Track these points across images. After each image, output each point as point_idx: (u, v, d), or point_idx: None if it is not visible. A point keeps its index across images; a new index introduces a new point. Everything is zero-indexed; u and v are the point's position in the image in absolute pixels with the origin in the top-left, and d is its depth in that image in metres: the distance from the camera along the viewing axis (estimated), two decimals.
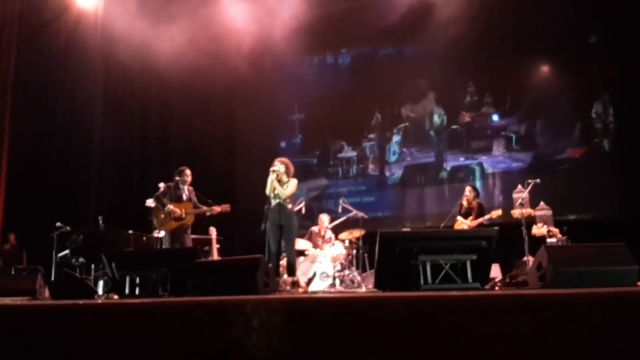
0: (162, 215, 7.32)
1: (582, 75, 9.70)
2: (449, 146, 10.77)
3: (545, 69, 10.12)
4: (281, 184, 6.73)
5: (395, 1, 10.26)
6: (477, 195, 8.25)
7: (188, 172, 7.50)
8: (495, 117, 10.39)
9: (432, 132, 11.00)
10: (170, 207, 7.23)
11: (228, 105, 12.17)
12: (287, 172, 6.79)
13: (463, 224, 8.01)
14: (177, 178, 7.46)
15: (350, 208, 9.00)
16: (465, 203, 8.20)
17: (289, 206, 6.78)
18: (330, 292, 7.05)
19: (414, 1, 9.99)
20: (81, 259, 7.99)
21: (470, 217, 8.00)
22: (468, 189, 8.29)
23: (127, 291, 5.43)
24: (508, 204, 9.04)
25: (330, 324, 3.23)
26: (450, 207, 9.87)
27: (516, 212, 7.30)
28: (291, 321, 3.31)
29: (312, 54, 10.87)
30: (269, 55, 10.96)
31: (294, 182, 6.81)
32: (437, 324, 3.08)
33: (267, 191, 6.73)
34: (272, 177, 6.69)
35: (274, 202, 6.69)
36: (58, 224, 8.55)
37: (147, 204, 7.89)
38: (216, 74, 11.39)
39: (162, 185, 7.67)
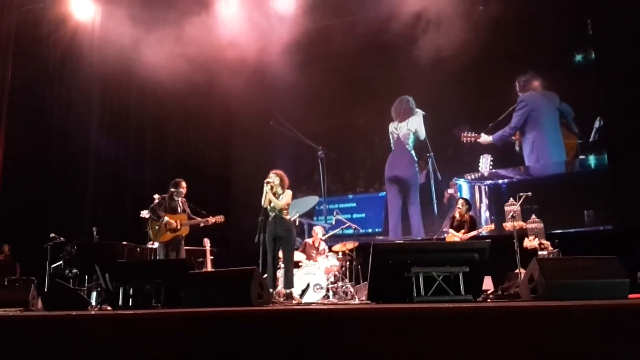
0: (157, 227, 7.37)
1: (572, 91, 9.81)
2: (437, 162, 10.81)
3: (535, 84, 10.21)
4: (276, 195, 6.78)
5: (389, 17, 10.34)
6: (469, 208, 8.29)
7: (184, 184, 7.57)
8: (483, 134, 10.43)
9: (417, 150, 11.06)
10: (166, 218, 7.31)
11: (223, 118, 12.19)
12: (281, 184, 6.85)
13: (455, 237, 8.04)
14: (172, 190, 7.53)
15: (344, 220, 9.03)
16: (457, 216, 8.24)
17: (287, 217, 6.83)
18: (324, 304, 7.05)
19: (407, 19, 10.05)
20: (74, 270, 7.97)
21: (462, 230, 8.04)
22: (461, 202, 8.33)
23: (120, 302, 5.42)
24: (495, 220, 9.16)
25: (323, 335, 3.25)
26: (438, 222, 10.04)
27: (508, 225, 7.35)
28: (284, 333, 3.32)
29: (307, 68, 10.92)
30: (265, 69, 10.98)
31: (288, 193, 6.87)
32: (429, 335, 3.09)
33: (263, 203, 6.78)
34: (266, 189, 6.75)
35: (271, 214, 6.77)
36: (52, 234, 8.54)
37: (141, 215, 7.91)
38: (212, 86, 11.42)
39: (156, 196, 7.72)
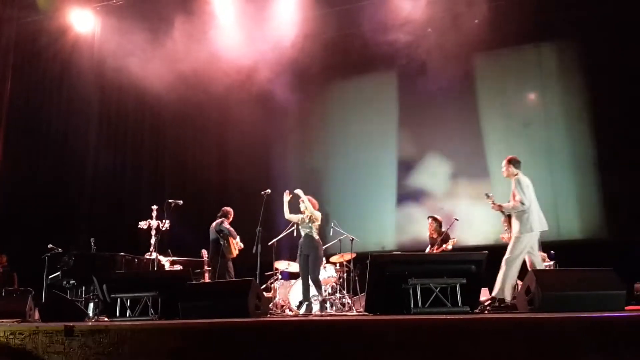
0: (230, 244, 8.12)
1: (562, 98, 9.87)
2: None
3: (531, 97, 10.25)
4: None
5: (388, 29, 10.40)
6: (439, 225, 8.21)
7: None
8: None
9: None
10: (238, 238, 8.26)
11: (221, 131, 12.17)
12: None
13: None
14: (228, 215, 8.43)
15: (341, 231, 9.00)
16: (429, 234, 8.25)
17: (316, 237, 7.43)
18: (321, 315, 7.04)
19: (406, 29, 10.12)
20: (72, 281, 7.93)
21: (435, 247, 8.00)
22: (429, 221, 8.29)
23: (117, 314, 5.42)
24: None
25: (320, 346, 3.25)
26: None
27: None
28: (282, 344, 3.32)
29: (303, 84, 10.95)
30: (261, 83, 10.96)
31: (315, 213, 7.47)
32: (427, 347, 3.10)
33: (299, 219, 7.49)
34: (305, 204, 7.39)
35: (302, 233, 7.49)
36: (50, 245, 8.51)
37: (139, 226, 8.04)
38: (209, 98, 11.42)
39: (154, 207, 8.03)
